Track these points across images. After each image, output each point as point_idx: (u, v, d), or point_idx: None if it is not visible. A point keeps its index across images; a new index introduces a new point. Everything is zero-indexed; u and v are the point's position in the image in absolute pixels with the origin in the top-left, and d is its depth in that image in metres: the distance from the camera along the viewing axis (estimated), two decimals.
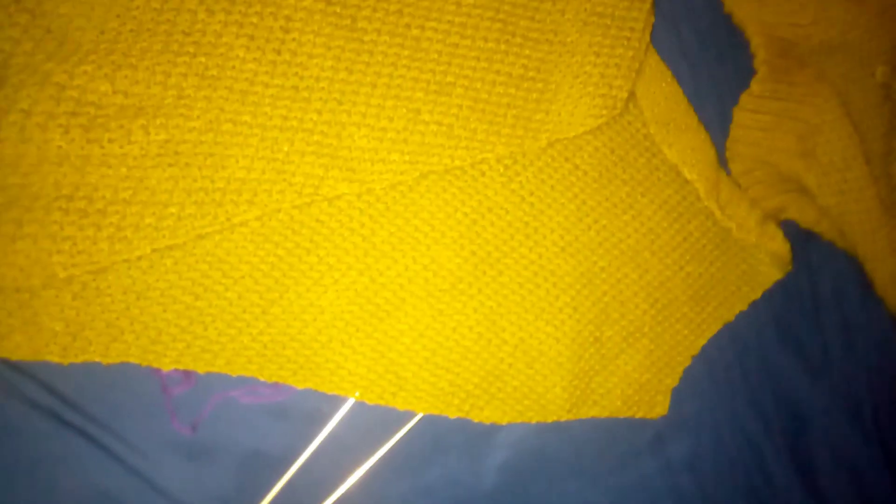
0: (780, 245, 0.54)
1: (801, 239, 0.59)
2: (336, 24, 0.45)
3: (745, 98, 0.54)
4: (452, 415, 0.48)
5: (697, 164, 0.52)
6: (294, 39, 0.44)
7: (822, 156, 0.54)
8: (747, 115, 0.54)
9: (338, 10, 0.45)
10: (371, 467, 0.47)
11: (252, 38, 0.43)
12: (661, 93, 0.52)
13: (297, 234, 0.45)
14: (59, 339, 0.40)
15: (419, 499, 0.48)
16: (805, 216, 0.57)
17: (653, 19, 0.50)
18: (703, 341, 0.56)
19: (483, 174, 0.49)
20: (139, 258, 0.42)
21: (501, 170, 0.50)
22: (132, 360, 0.41)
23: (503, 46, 0.48)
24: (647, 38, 0.50)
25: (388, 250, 0.47)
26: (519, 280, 0.50)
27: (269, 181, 0.43)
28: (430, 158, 0.47)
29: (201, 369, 0.42)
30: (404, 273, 0.47)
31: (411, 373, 0.47)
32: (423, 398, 0.47)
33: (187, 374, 0.42)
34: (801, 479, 0.60)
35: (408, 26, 0.46)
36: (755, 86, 0.54)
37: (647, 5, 0.50)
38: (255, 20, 0.43)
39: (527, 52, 0.49)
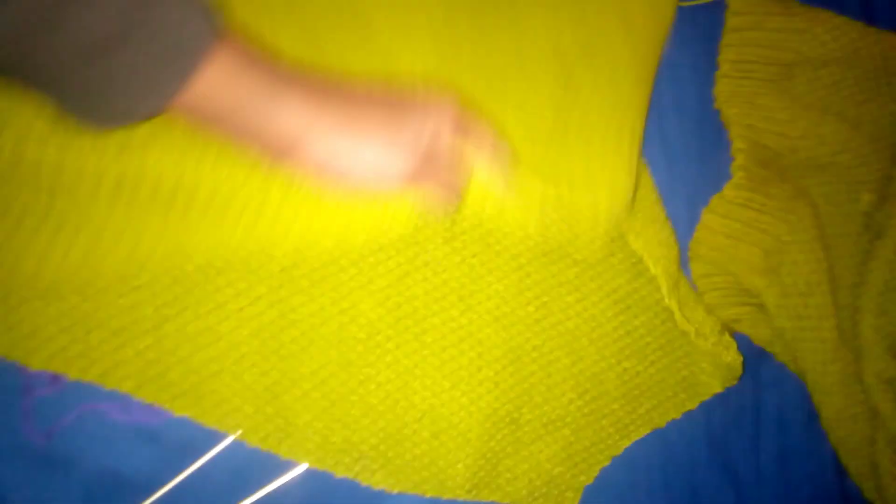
0: (733, 357, 0.51)
1: (752, 355, 0.57)
2: None
3: (716, 201, 0.52)
4: (340, 473, 0.45)
5: (662, 260, 0.49)
6: None
7: (785, 276, 0.52)
8: (716, 219, 0.52)
9: None
10: None
11: None
12: None
13: None
14: None
15: None
16: (759, 333, 0.54)
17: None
18: (627, 443, 0.52)
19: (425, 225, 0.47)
20: (32, 238, 0.39)
21: (447, 224, 0.47)
22: None
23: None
24: None
25: (306, 286, 0.44)
26: (443, 343, 0.47)
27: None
28: None
29: (73, 375, 0.39)
30: (319, 313, 0.44)
31: (303, 421, 0.44)
32: (311, 451, 0.44)
33: (55, 378, 0.39)
34: None
35: None
36: (729, 191, 0.51)
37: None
38: None
39: None
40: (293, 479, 0.44)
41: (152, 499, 0.41)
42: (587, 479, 0.52)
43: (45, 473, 0.39)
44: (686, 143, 0.53)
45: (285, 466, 0.44)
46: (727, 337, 0.52)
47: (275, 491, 0.44)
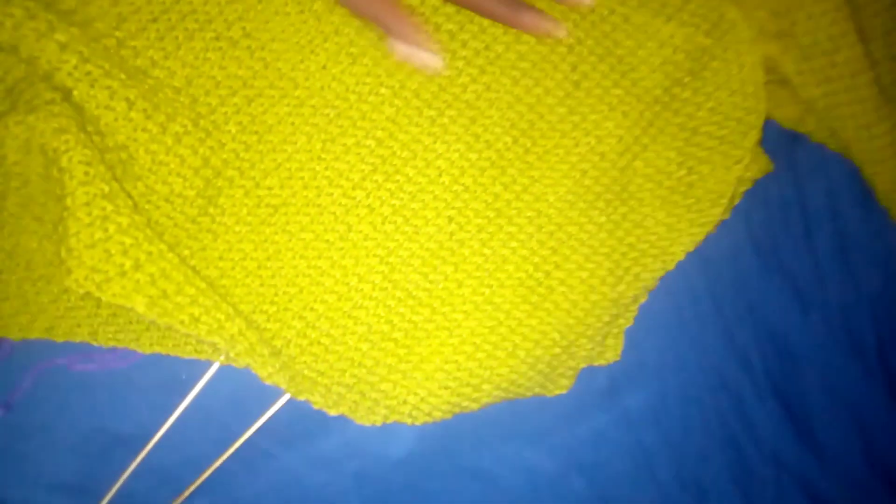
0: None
1: (784, 142, 0.49)
2: None
3: None
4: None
5: None
6: None
7: (802, 35, 0.43)
8: None
9: None
10: (251, 437, 0.39)
11: None
12: None
13: None
14: None
15: (313, 472, 0.41)
16: (785, 113, 0.47)
17: None
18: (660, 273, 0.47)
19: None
20: None
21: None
22: None
23: None
24: None
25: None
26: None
27: None
28: None
29: (15, 336, 0.35)
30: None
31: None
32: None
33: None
34: (792, 426, 0.51)
35: None
36: None
37: None
38: None
39: None
40: None
41: (149, 446, 0.37)
42: (626, 321, 0.46)
43: (18, 447, 0.35)
44: None
45: None
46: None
47: (287, 406, 0.40)
